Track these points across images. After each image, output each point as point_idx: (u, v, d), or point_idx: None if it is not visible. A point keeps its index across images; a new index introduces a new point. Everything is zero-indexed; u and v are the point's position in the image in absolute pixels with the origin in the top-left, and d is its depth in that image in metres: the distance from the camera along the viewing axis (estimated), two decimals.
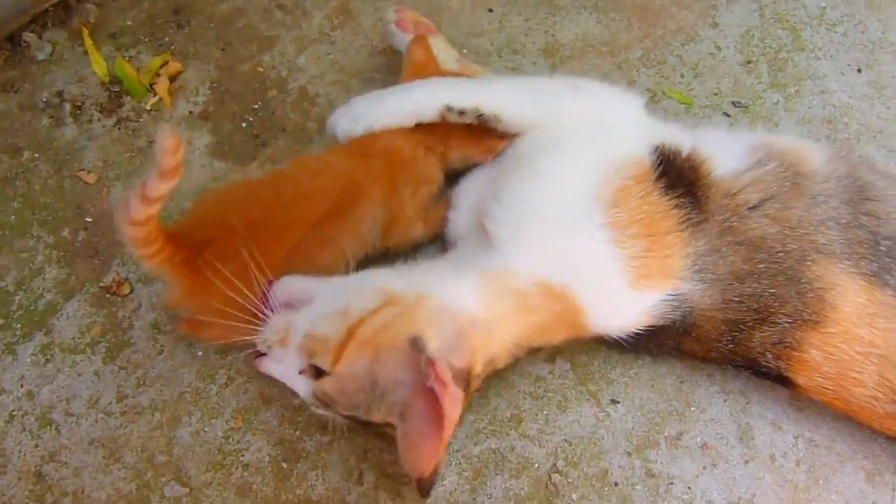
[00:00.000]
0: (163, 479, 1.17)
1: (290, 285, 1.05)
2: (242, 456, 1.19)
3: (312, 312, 1.01)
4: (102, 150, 1.43)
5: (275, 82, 1.52)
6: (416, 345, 0.93)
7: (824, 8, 1.70)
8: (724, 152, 1.13)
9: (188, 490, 1.16)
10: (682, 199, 1.07)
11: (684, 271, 1.05)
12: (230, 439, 1.20)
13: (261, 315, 1.02)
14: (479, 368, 1.01)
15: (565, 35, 1.62)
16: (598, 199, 1.05)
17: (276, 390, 1.24)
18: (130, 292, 1.31)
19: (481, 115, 1.19)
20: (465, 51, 1.57)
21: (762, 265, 1.05)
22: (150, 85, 1.49)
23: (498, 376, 1.24)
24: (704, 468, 1.20)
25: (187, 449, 1.19)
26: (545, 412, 1.23)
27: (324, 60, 1.56)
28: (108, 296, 1.30)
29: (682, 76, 1.58)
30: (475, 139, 1.25)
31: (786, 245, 1.05)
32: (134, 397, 1.23)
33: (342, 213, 1.14)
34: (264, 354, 1.04)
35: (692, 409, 1.25)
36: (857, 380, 1.04)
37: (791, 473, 1.20)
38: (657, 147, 1.12)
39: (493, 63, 1.57)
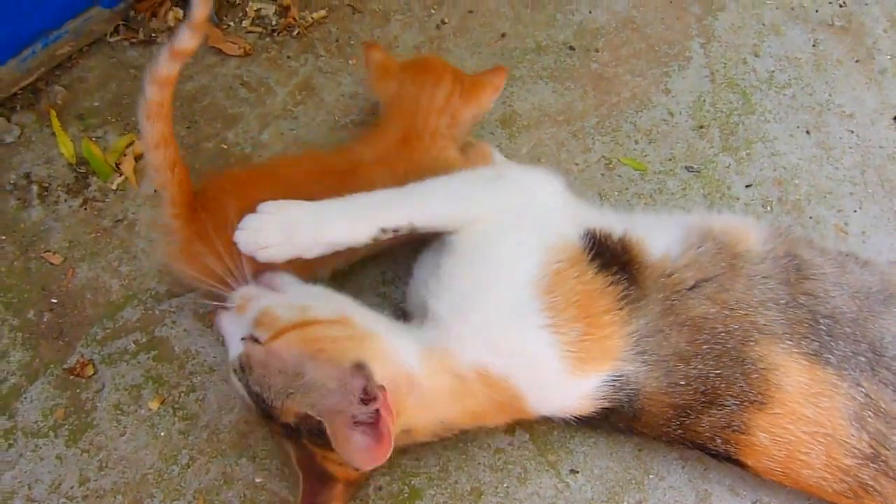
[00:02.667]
0: None
1: (278, 275, 1.15)
2: None
3: (279, 297, 1.12)
4: (68, 230, 1.46)
5: (239, 159, 1.56)
6: (360, 369, 1.00)
7: (773, 71, 1.76)
8: (656, 234, 1.16)
9: None
10: (616, 277, 1.09)
11: (625, 352, 1.07)
12: None
13: (238, 277, 1.14)
14: (397, 428, 1.03)
15: (522, 105, 1.66)
16: (534, 285, 1.07)
17: (237, 469, 1.25)
18: (94, 374, 1.32)
19: (414, 228, 1.16)
20: None
21: (706, 346, 1.07)
22: (117, 165, 1.52)
23: (458, 449, 1.26)
24: None
25: None
26: (505, 484, 1.25)
27: (287, 136, 1.60)
28: (71, 377, 1.32)
29: (637, 142, 1.63)
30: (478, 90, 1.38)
31: (727, 326, 1.07)
32: (96, 480, 1.24)
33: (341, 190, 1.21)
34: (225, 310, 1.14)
35: (651, 476, 1.26)
36: (805, 461, 1.06)
37: None
38: (588, 230, 1.14)
39: None
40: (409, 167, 1.28)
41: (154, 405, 1.29)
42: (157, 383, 1.32)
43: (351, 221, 1.13)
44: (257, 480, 1.24)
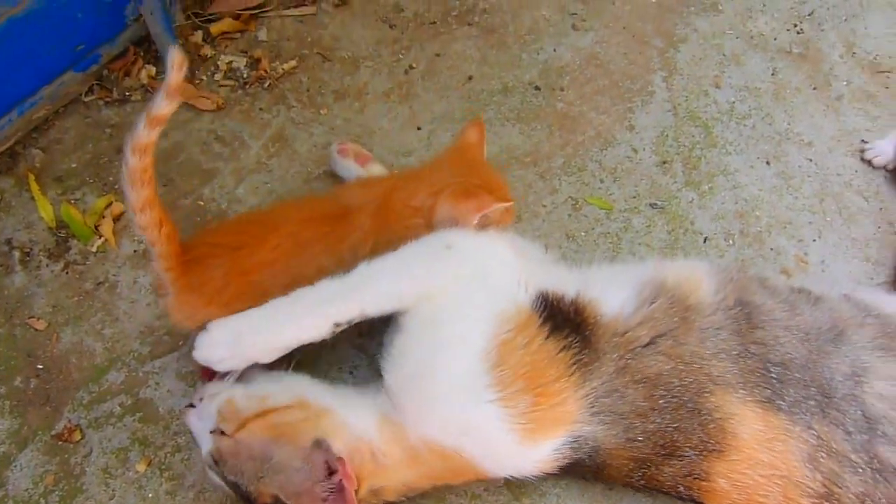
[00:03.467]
0: None
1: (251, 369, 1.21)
2: None
3: (239, 389, 1.18)
4: (51, 295, 1.50)
5: (215, 215, 1.60)
6: (319, 445, 1.09)
7: (734, 102, 1.81)
8: (610, 292, 1.19)
9: None
10: (568, 341, 1.12)
11: (581, 414, 1.11)
12: None
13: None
14: (363, 491, 1.11)
15: (490, 148, 1.70)
16: (482, 360, 1.10)
17: None
18: (82, 438, 1.37)
19: (366, 317, 1.18)
20: (395, 170, 1.66)
21: (662, 401, 1.11)
22: (96, 227, 1.56)
23: (435, 497, 1.31)
24: None
25: None
26: None
27: (262, 189, 1.64)
28: (60, 443, 1.36)
29: (602, 181, 1.68)
30: (464, 197, 1.26)
31: (683, 379, 1.12)
32: None
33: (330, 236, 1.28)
34: (194, 407, 1.20)
35: None
36: (764, 503, 1.11)
37: None
38: (540, 293, 1.17)
39: None
40: (390, 219, 1.31)
41: (141, 467, 1.33)
42: (144, 445, 1.36)
43: (300, 324, 1.16)
44: None
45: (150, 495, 1.32)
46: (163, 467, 1.34)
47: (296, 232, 1.27)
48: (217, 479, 1.14)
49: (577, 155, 1.71)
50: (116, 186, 1.63)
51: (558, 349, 1.12)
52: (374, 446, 1.13)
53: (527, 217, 1.62)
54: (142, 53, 1.76)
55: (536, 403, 1.09)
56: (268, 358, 1.17)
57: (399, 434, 1.13)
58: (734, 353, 1.13)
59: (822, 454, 1.10)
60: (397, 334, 1.17)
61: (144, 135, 1.11)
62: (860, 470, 1.10)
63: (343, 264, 1.24)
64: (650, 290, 1.18)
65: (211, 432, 1.14)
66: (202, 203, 1.62)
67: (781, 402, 1.11)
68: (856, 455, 1.10)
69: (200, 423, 1.17)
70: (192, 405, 1.20)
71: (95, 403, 1.40)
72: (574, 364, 1.11)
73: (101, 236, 1.55)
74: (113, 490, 1.32)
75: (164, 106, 1.08)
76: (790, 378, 1.13)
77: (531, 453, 1.12)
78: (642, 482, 1.15)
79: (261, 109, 1.74)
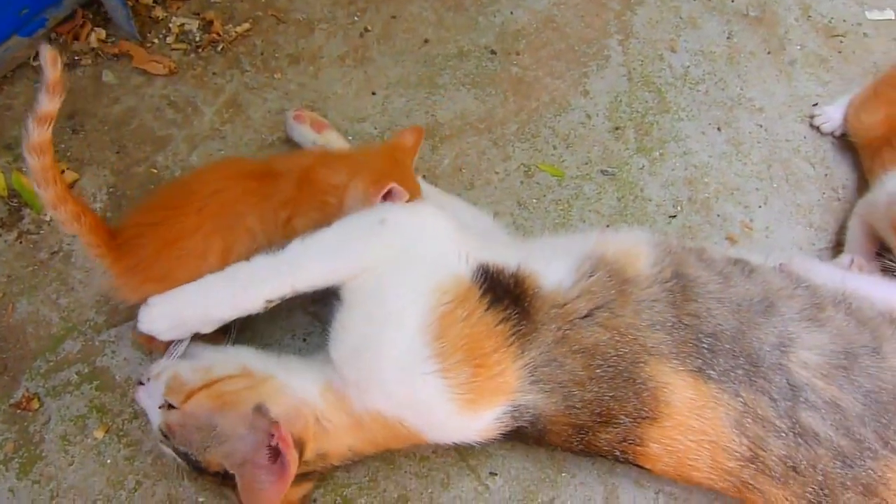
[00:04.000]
0: None
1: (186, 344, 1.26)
2: None
3: (186, 362, 1.23)
4: (5, 265, 1.50)
5: (170, 183, 1.60)
6: (259, 410, 1.14)
7: (688, 67, 1.82)
8: (551, 265, 1.22)
9: None
10: (507, 313, 1.16)
11: (521, 383, 1.15)
12: None
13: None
14: (309, 453, 1.16)
15: (445, 114, 1.72)
16: (421, 332, 1.13)
17: (181, 490, 1.35)
18: (40, 406, 1.39)
19: (297, 292, 1.22)
20: (350, 137, 1.67)
21: (599, 370, 1.16)
22: None
23: (386, 460, 1.36)
24: None
25: None
26: (430, 490, 1.36)
27: (216, 157, 1.64)
28: (18, 412, 1.39)
29: (555, 148, 1.70)
30: (374, 183, 1.29)
31: (619, 350, 1.16)
32: None
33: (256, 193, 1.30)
34: (143, 384, 1.24)
35: (563, 475, 1.38)
36: (694, 465, 1.17)
37: None
38: (480, 265, 1.20)
39: None
40: (310, 191, 1.32)
41: (99, 434, 1.37)
42: (101, 412, 1.39)
43: (234, 299, 1.22)
44: (200, 500, 1.33)
45: (108, 461, 1.36)
46: (120, 434, 1.38)
47: (219, 190, 1.29)
48: (169, 451, 1.18)
49: (532, 121, 1.72)
50: (69, 153, 1.62)
51: (497, 321, 1.15)
52: (318, 411, 1.18)
53: (479, 184, 1.64)
54: (90, 16, 1.73)
55: (476, 374, 1.13)
56: (207, 329, 1.24)
57: (344, 402, 1.18)
58: (668, 324, 1.18)
59: (749, 420, 1.16)
60: (340, 309, 1.21)
61: (37, 134, 1.15)
62: (783, 434, 1.16)
63: (271, 230, 1.28)
64: (590, 264, 1.22)
65: (160, 407, 1.17)
66: (156, 171, 1.62)
67: (712, 372, 1.16)
68: (780, 421, 1.16)
69: (150, 399, 1.21)
70: (141, 382, 1.24)
71: (53, 372, 1.42)
72: (513, 335, 1.15)
73: None
74: (72, 456, 1.36)
75: (48, 103, 1.15)
76: (720, 349, 1.17)
77: (472, 423, 1.17)
78: (581, 447, 1.20)
79: (214, 74, 1.73)
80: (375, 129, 1.69)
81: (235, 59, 1.75)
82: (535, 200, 1.64)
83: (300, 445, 1.14)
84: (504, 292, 1.18)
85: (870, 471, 1.13)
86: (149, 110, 1.68)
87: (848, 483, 1.14)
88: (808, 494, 1.15)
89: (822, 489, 1.15)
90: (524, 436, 1.21)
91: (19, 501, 1.33)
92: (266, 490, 1.08)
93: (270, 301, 1.22)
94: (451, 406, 1.14)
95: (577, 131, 1.72)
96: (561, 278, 1.21)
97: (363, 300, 1.19)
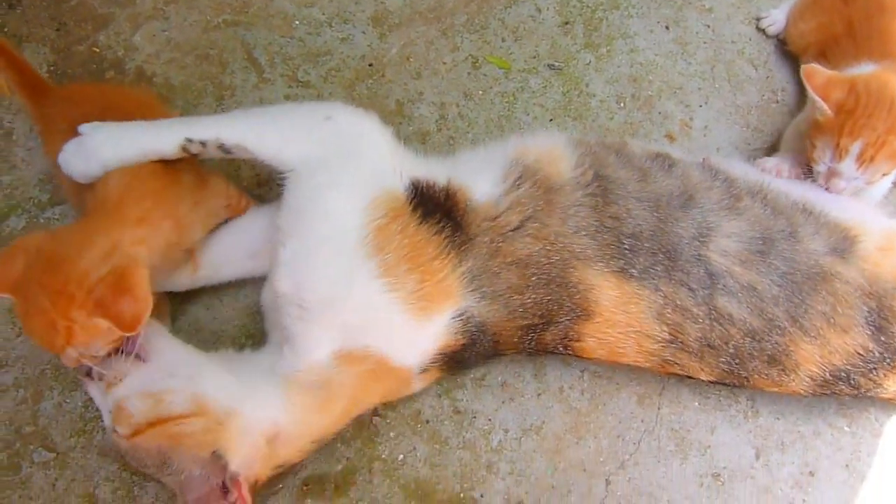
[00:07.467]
0: (31, 447, 1.33)
1: (147, 335, 1.16)
2: (101, 421, 1.35)
3: (136, 383, 1.13)
4: None
5: (112, 63, 1.58)
6: (217, 459, 1.10)
7: None
8: (479, 178, 1.25)
9: (55, 455, 1.33)
10: (440, 226, 1.19)
11: (463, 290, 1.20)
12: (90, 408, 1.36)
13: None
14: (266, 475, 1.18)
15: (394, 2, 1.70)
16: (363, 248, 1.15)
17: None
18: None
19: (222, 145, 1.19)
20: (297, 22, 1.65)
21: (534, 278, 1.22)
22: None
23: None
24: (503, 403, 1.43)
25: (51, 419, 1.35)
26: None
27: (159, 38, 1.62)
28: None
29: (504, 40, 1.70)
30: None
31: (550, 258, 1.22)
32: None
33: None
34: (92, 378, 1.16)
35: None
36: (623, 352, 1.27)
37: (576, 402, 1.44)
38: (412, 181, 1.22)
39: (325, 34, 1.66)
40: None
41: None
42: None
43: (158, 132, 1.18)
44: None
45: None
46: None
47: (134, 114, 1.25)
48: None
49: (481, 12, 1.72)
50: (6, 29, 1.58)
51: (432, 232, 1.19)
52: (280, 425, 1.16)
53: (426, 74, 1.65)
54: None
55: (423, 280, 1.17)
56: (118, 163, 1.16)
57: (307, 379, 1.18)
58: (592, 229, 1.23)
59: (668, 310, 1.24)
60: (277, 243, 1.18)
61: None
62: (700, 319, 1.25)
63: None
64: (515, 174, 1.25)
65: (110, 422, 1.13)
66: (98, 50, 1.59)
67: (633, 270, 1.23)
68: (697, 308, 1.24)
69: (100, 397, 1.16)
70: (90, 375, 1.15)
71: None
72: (448, 245, 1.19)
73: None
74: (20, 328, 1.39)
75: None
76: (640, 248, 1.24)
77: (428, 328, 1.20)
78: (532, 345, 1.28)
79: None
80: (323, 14, 1.67)
81: None
82: (481, 92, 1.65)
83: (257, 484, 1.16)
84: (435, 206, 1.21)
85: (776, 344, 1.25)
86: None
87: (755, 353, 1.25)
88: (721, 364, 1.27)
89: (733, 360, 1.26)
90: (481, 348, 1.27)
91: None
92: None
93: (190, 141, 1.18)
94: (405, 315, 1.17)
95: (526, 24, 1.72)
96: (489, 190, 1.25)
97: (301, 234, 1.16)
